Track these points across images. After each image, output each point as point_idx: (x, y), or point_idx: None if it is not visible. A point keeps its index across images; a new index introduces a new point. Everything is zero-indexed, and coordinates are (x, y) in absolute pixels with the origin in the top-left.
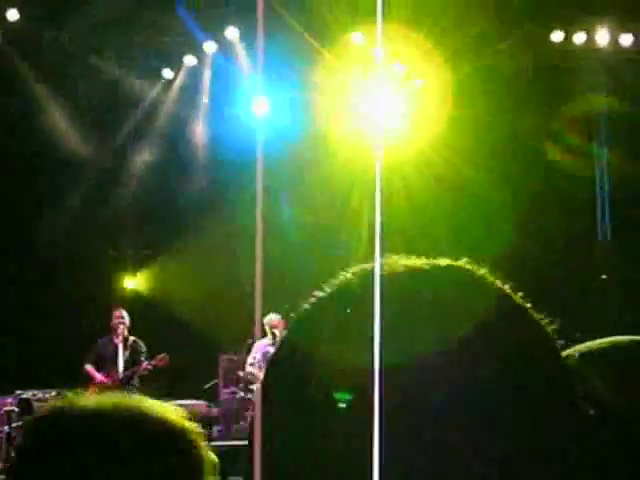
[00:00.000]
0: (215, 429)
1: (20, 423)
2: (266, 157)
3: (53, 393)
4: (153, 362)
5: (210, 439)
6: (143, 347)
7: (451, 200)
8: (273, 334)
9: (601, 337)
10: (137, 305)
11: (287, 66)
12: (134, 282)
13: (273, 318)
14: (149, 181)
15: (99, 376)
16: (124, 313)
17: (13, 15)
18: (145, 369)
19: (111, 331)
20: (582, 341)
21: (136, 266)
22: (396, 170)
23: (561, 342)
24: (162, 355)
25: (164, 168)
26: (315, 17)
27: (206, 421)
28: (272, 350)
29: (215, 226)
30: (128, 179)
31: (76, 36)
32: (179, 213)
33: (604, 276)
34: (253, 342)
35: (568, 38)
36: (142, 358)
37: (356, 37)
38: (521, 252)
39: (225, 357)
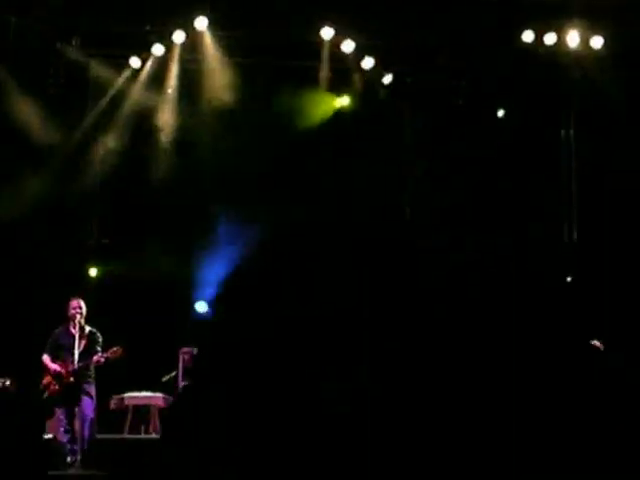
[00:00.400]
0: None
1: None
2: None
3: (7, 382)
4: (106, 354)
5: None
6: (99, 337)
7: None
8: None
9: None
10: (98, 294)
11: None
12: (95, 271)
13: None
14: (114, 169)
15: (54, 366)
16: (81, 303)
17: None
18: (98, 361)
19: (68, 320)
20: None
21: (98, 254)
22: None
23: None
24: (116, 348)
25: (129, 156)
26: None
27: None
28: None
29: (177, 214)
30: (93, 166)
31: (43, 22)
32: (142, 201)
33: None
34: None
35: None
36: (98, 348)
37: None
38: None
39: (185, 350)
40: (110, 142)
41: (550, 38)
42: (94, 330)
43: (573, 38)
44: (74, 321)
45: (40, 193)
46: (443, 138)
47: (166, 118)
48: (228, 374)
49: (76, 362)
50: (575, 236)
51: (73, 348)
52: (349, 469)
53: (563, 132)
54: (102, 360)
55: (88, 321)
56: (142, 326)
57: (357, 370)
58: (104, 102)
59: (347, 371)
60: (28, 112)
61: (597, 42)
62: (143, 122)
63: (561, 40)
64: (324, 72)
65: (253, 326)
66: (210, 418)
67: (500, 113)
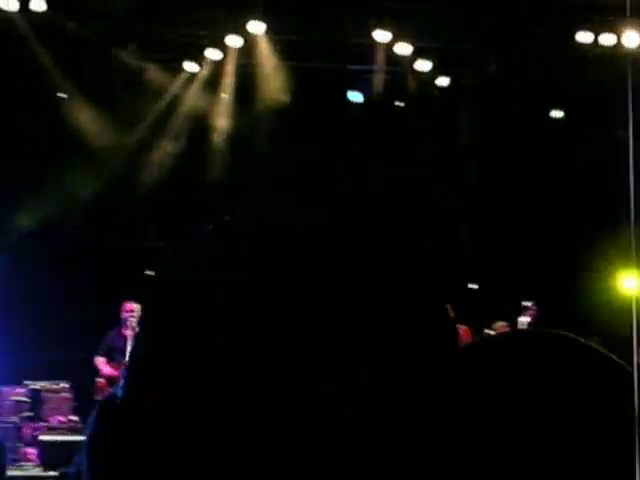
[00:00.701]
0: None
1: (31, 414)
2: None
3: (62, 384)
4: None
5: None
6: None
7: None
8: None
9: None
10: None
11: None
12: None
13: None
14: (170, 172)
15: (107, 369)
16: (135, 306)
17: (39, 6)
18: None
19: (121, 323)
20: None
21: (153, 258)
22: None
23: None
24: None
25: (185, 160)
26: None
27: None
28: None
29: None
30: (149, 170)
31: (99, 28)
32: (198, 206)
33: None
34: None
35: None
36: None
37: None
38: None
39: None
40: (166, 146)
41: (607, 39)
42: None
43: (631, 38)
44: (127, 324)
45: (96, 196)
46: (497, 143)
47: (221, 122)
48: (227, 374)
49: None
50: None
51: (125, 351)
52: (348, 471)
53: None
54: None
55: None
56: None
57: (357, 372)
58: (159, 106)
59: (347, 373)
60: (84, 116)
61: None
62: (198, 126)
63: (619, 41)
64: (379, 75)
65: (257, 327)
66: (207, 418)
67: (555, 114)
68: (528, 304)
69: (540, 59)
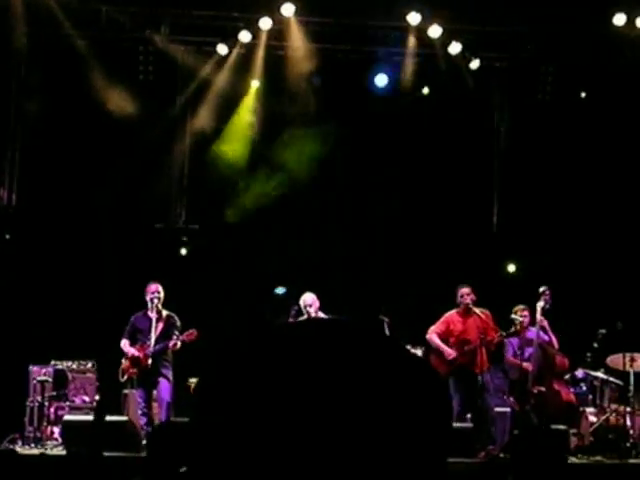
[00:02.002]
0: None
1: (54, 393)
2: None
3: (89, 365)
4: (182, 337)
5: None
6: (177, 321)
7: None
8: (308, 313)
9: None
10: (183, 279)
11: None
12: (184, 250)
13: (307, 297)
14: (203, 155)
15: (131, 350)
16: (159, 287)
17: None
18: (175, 345)
19: (146, 304)
20: None
21: (183, 240)
22: None
23: None
24: (191, 330)
25: (213, 142)
26: None
27: None
28: None
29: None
30: (180, 152)
31: (132, 10)
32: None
33: None
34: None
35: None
36: (176, 332)
37: None
38: None
39: None
40: (198, 128)
41: None
42: (172, 314)
43: None
44: (152, 305)
45: (128, 178)
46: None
47: (252, 104)
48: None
49: (152, 346)
50: None
51: (150, 332)
52: None
53: None
54: (178, 344)
55: (168, 304)
56: (221, 309)
57: None
58: (192, 88)
59: None
60: (118, 98)
61: None
62: (230, 108)
63: None
64: (410, 58)
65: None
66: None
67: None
68: (543, 289)
69: (575, 41)
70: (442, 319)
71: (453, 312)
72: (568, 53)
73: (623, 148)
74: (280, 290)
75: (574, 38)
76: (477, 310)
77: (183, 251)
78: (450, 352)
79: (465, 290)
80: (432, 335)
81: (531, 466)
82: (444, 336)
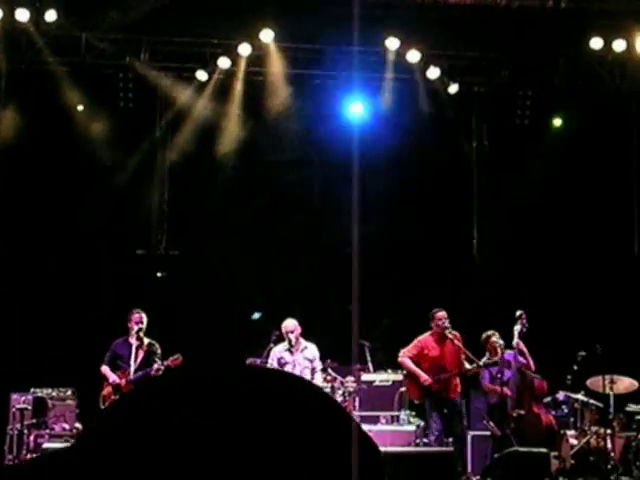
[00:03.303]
0: None
1: (34, 421)
2: None
3: (68, 392)
4: (166, 362)
5: None
6: (158, 349)
7: None
8: (289, 339)
9: None
10: (163, 305)
11: None
12: (160, 282)
13: (288, 323)
14: (180, 181)
15: (113, 376)
16: (144, 317)
17: (51, 16)
18: (158, 370)
19: (128, 331)
20: None
21: (163, 266)
22: None
23: None
24: (176, 356)
25: (196, 168)
26: None
27: None
28: (286, 356)
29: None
30: (160, 178)
31: (112, 37)
32: (207, 214)
33: None
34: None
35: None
36: (157, 360)
37: None
38: None
39: (249, 361)
40: (177, 154)
41: (619, 45)
42: (153, 342)
43: None
44: (134, 333)
45: (109, 205)
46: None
47: (231, 130)
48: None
49: (132, 373)
50: None
51: (130, 359)
52: None
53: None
54: (162, 369)
55: (148, 329)
56: (201, 334)
57: None
58: (171, 114)
59: None
60: (98, 125)
61: None
62: (209, 134)
63: (630, 46)
64: (389, 82)
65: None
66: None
67: (558, 122)
68: (519, 313)
69: (552, 66)
70: (415, 342)
71: (427, 336)
72: (545, 77)
73: (601, 172)
74: (256, 315)
75: (551, 62)
76: (450, 335)
77: (161, 276)
78: (426, 378)
79: (442, 314)
80: (405, 359)
81: None
82: (417, 360)
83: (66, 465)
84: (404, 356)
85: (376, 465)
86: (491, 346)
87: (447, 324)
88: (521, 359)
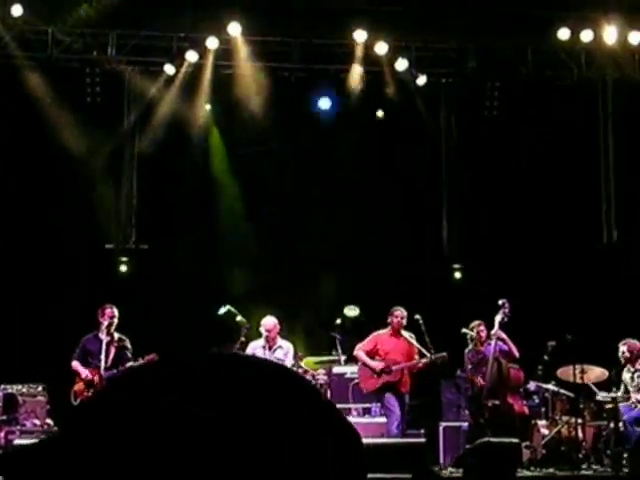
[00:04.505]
0: None
1: (4, 417)
2: None
3: (39, 388)
4: (142, 361)
5: None
6: (129, 344)
7: None
8: (265, 337)
9: None
10: (131, 300)
11: None
12: (129, 276)
13: (267, 321)
14: (148, 174)
15: (85, 372)
16: (115, 311)
17: (17, 10)
18: None
19: (99, 326)
20: None
21: (132, 260)
22: None
23: None
24: (152, 355)
25: (163, 162)
26: None
27: None
28: (259, 352)
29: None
30: (128, 173)
31: (79, 31)
32: (177, 208)
33: None
34: (247, 342)
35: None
36: (128, 355)
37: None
38: None
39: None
40: (146, 148)
41: (586, 35)
42: (123, 337)
43: (610, 34)
44: (104, 328)
45: (78, 199)
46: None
47: (200, 124)
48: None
49: (102, 368)
50: (615, 238)
51: (100, 354)
52: None
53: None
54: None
55: (118, 324)
56: (169, 329)
57: None
58: (139, 109)
59: None
60: (66, 120)
61: (635, 38)
62: (178, 128)
63: (598, 37)
64: (356, 75)
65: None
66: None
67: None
68: (502, 301)
69: (520, 57)
70: (370, 337)
71: (382, 332)
72: (513, 68)
73: (569, 162)
74: (222, 310)
75: (519, 53)
76: (406, 334)
77: (128, 270)
78: (377, 364)
79: (398, 312)
80: (359, 352)
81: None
82: (371, 354)
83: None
84: (359, 350)
85: (355, 446)
86: (478, 336)
87: (402, 322)
88: (503, 346)
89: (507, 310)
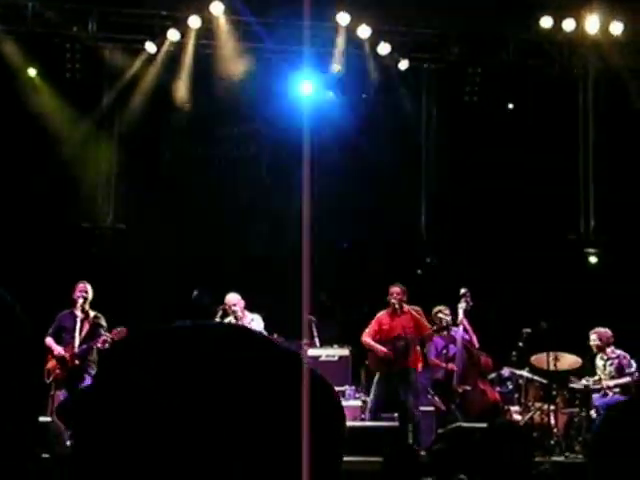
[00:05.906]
0: None
1: None
2: None
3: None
4: (111, 335)
5: None
6: (104, 322)
7: None
8: (234, 313)
9: None
10: (107, 279)
11: None
12: (105, 255)
13: (231, 297)
14: (128, 154)
15: (58, 349)
16: (88, 286)
17: None
18: (104, 342)
19: (73, 303)
20: None
21: (109, 239)
22: None
23: None
24: (120, 328)
25: (144, 140)
26: None
27: None
28: None
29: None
30: (106, 152)
31: (59, 6)
32: (155, 188)
33: None
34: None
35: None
36: (102, 332)
37: None
38: None
39: None
40: (125, 126)
41: (569, 24)
42: (98, 314)
43: (593, 24)
44: (78, 304)
45: (55, 177)
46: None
47: (181, 102)
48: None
49: (77, 345)
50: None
51: (75, 331)
52: None
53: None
54: (109, 340)
55: (94, 303)
56: (146, 309)
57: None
58: (119, 86)
59: None
60: (45, 97)
61: (617, 28)
62: (158, 106)
63: (580, 26)
64: (339, 58)
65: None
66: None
67: (510, 105)
68: (463, 291)
69: (502, 44)
70: (374, 320)
71: (383, 312)
72: (495, 55)
73: (548, 150)
74: (195, 292)
75: (501, 41)
76: (407, 308)
77: (104, 249)
78: (382, 349)
79: (394, 289)
80: (365, 337)
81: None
82: (377, 336)
83: None
84: (365, 335)
85: (332, 403)
86: (438, 320)
87: (397, 299)
88: (465, 336)
89: (469, 299)
